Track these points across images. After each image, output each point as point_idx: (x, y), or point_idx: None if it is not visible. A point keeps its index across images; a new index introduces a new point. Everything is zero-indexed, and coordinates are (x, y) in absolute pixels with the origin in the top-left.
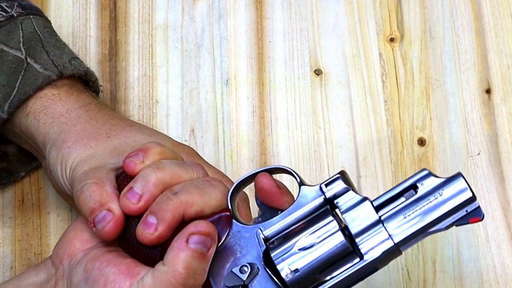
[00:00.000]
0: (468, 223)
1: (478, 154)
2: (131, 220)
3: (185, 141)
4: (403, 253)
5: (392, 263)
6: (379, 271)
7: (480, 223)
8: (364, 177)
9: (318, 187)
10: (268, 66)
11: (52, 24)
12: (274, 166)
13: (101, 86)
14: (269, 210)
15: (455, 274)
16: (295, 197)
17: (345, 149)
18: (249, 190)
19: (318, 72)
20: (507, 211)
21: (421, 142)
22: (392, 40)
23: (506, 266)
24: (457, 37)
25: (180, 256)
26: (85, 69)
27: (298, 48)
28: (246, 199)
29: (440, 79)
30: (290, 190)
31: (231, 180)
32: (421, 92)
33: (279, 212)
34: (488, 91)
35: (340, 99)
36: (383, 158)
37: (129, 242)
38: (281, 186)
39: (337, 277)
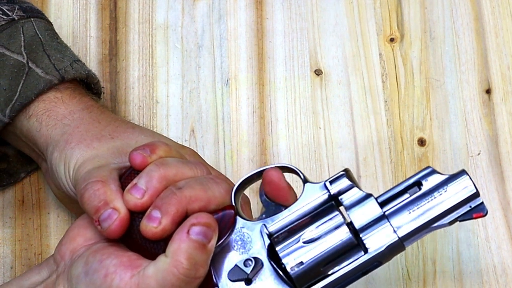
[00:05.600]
0: (471, 218)
1: (478, 154)
2: (134, 216)
3: (185, 141)
4: (403, 252)
5: (392, 262)
6: (379, 271)
7: (480, 223)
8: (364, 177)
9: (322, 184)
10: (268, 66)
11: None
12: (278, 165)
13: (102, 87)
14: (273, 207)
15: (455, 274)
16: (298, 196)
17: (345, 149)
18: (249, 190)
19: (318, 72)
20: (507, 211)
21: (421, 142)
22: (392, 40)
23: (506, 266)
24: (457, 37)
25: (182, 247)
26: (86, 72)
27: (298, 48)
28: (247, 201)
29: (440, 79)
30: (294, 188)
31: (232, 182)
32: (421, 92)
33: (283, 209)
34: (488, 91)
35: (340, 99)
36: (383, 158)
37: (132, 238)
38: (288, 183)
39: (341, 270)
